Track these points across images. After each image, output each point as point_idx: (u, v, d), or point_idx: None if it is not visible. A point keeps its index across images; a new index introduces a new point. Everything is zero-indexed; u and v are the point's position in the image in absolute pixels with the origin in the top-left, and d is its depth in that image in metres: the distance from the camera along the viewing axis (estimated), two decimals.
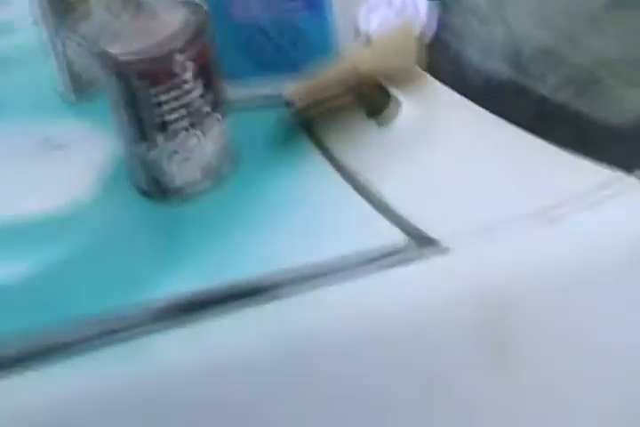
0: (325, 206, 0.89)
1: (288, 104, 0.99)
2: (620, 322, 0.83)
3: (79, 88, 1.11)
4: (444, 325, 0.80)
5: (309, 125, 0.99)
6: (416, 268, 0.81)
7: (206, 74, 0.94)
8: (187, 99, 0.92)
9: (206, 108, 0.93)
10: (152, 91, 0.91)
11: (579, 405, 0.85)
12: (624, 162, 0.85)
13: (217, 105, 0.95)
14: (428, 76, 1.00)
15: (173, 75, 0.91)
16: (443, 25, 1.07)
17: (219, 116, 0.95)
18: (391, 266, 0.81)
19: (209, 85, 0.94)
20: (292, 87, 0.99)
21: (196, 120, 0.93)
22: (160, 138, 0.92)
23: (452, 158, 0.91)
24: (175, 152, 0.93)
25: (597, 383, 0.85)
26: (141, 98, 0.91)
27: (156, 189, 0.95)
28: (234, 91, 1.04)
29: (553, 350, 0.82)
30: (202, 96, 0.93)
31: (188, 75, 0.92)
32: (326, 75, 0.99)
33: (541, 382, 0.83)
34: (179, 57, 0.91)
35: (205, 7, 0.96)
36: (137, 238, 0.93)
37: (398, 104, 0.96)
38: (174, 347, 0.80)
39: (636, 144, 0.87)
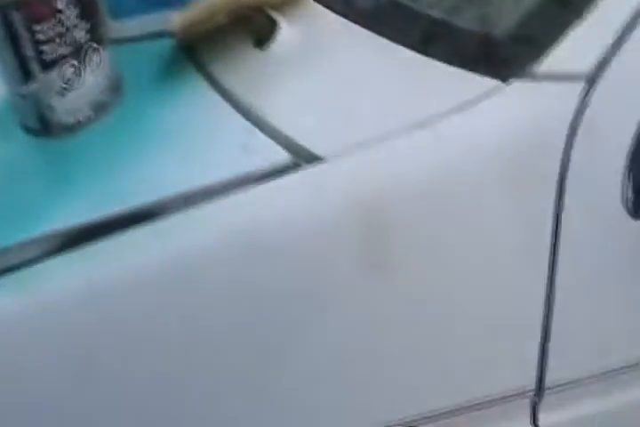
0: (211, 131, 0.90)
1: (173, 35, 0.99)
2: (496, 224, 0.85)
3: None
4: (325, 233, 0.82)
5: (194, 54, 0.99)
6: (298, 181, 0.82)
7: (86, 7, 0.93)
8: (67, 32, 0.91)
9: (88, 42, 0.93)
10: (32, 25, 0.90)
11: (451, 310, 0.87)
12: (500, 72, 0.86)
13: (99, 38, 0.94)
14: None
15: (53, 8, 0.90)
16: None
17: (101, 48, 0.94)
18: (274, 181, 0.83)
19: (89, 18, 0.93)
20: (175, 18, 0.98)
21: (77, 53, 0.92)
22: (42, 73, 0.91)
23: (333, 77, 0.91)
24: (58, 86, 0.92)
25: (469, 290, 0.87)
26: (21, 33, 0.90)
27: (42, 124, 0.94)
28: (121, 26, 1.04)
29: (429, 255, 0.84)
30: (82, 29, 0.92)
31: (69, 8, 0.91)
32: (209, 3, 0.99)
33: (416, 289, 0.85)
34: None
35: None
36: (26, 175, 0.92)
37: (279, 28, 0.97)
38: (68, 274, 0.81)
39: (510, 54, 0.88)
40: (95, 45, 0.93)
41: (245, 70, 0.96)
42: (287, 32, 0.97)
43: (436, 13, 0.94)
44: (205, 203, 0.82)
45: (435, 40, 0.92)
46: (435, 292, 0.85)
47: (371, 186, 0.82)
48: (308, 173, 0.83)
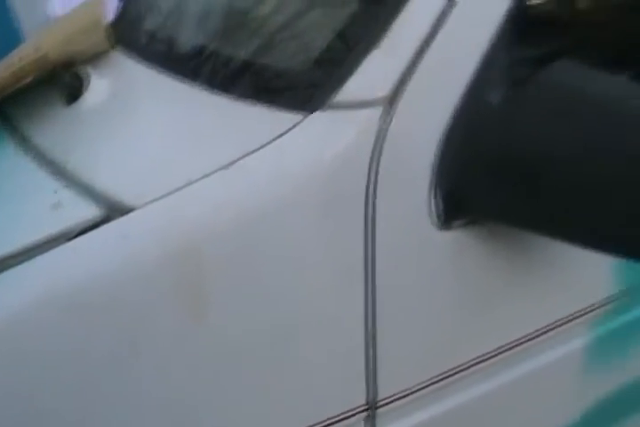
0: (20, 194, 0.88)
1: None
2: (310, 252, 0.84)
3: None
4: (142, 283, 0.80)
5: (3, 115, 0.98)
6: (110, 234, 0.81)
7: None
8: None
9: None
10: None
11: (277, 343, 0.85)
12: (302, 105, 0.86)
13: None
14: (118, 50, 1.00)
15: None
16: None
17: None
18: (86, 236, 0.81)
19: None
20: None
21: None
22: None
23: (142, 128, 0.91)
24: None
25: (291, 321, 0.85)
26: None
27: None
28: None
29: (248, 292, 0.83)
30: None
31: None
32: (14, 63, 0.98)
33: (238, 328, 0.84)
34: None
35: None
36: None
37: (88, 81, 0.97)
38: None
39: (309, 87, 0.88)
40: None
41: (56, 127, 0.95)
42: (96, 86, 0.97)
43: (236, 53, 0.95)
44: (19, 265, 0.81)
45: (237, 79, 0.92)
46: (257, 328, 0.84)
47: (182, 231, 0.81)
48: (119, 225, 0.82)
